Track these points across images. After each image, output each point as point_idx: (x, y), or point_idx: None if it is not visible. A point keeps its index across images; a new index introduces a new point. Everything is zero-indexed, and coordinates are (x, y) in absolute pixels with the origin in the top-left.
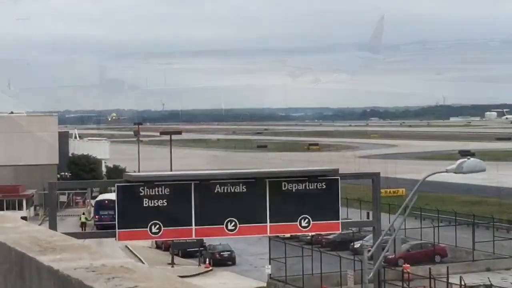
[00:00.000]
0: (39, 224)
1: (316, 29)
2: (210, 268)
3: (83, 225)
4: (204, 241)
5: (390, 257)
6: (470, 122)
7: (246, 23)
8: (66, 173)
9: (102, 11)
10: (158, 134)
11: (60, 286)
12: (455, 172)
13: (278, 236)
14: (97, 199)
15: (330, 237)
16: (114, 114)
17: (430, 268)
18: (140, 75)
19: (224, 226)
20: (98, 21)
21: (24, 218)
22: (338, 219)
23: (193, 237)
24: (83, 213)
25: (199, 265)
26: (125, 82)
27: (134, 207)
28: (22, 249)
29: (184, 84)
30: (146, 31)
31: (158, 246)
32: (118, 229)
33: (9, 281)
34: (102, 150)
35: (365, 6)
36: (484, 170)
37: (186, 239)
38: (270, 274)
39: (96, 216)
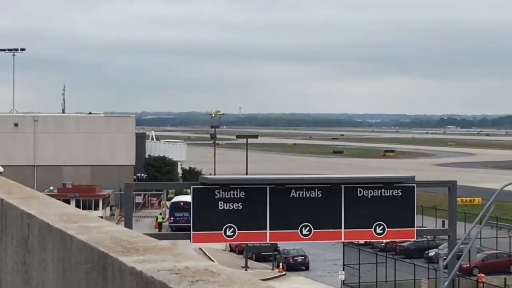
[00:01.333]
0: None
1: (392, 38)
2: (283, 272)
3: (159, 225)
4: (278, 246)
5: (465, 266)
6: None
7: (325, 30)
8: (143, 174)
9: (183, 15)
10: (235, 137)
11: (143, 287)
12: None
13: (352, 242)
14: (173, 200)
15: (404, 244)
16: (219, 110)
17: (505, 279)
18: (217, 78)
19: (298, 231)
20: (175, 26)
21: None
22: (413, 227)
23: (267, 241)
24: (160, 214)
25: (273, 269)
26: (200, 85)
27: (209, 209)
28: (105, 249)
29: (261, 89)
30: (227, 35)
31: (232, 249)
32: (193, 231)
33: (90, 280)
34: (178, 152)
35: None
36: None
37: (260, 243)
38: (343, 280)
39: (171, 218)
